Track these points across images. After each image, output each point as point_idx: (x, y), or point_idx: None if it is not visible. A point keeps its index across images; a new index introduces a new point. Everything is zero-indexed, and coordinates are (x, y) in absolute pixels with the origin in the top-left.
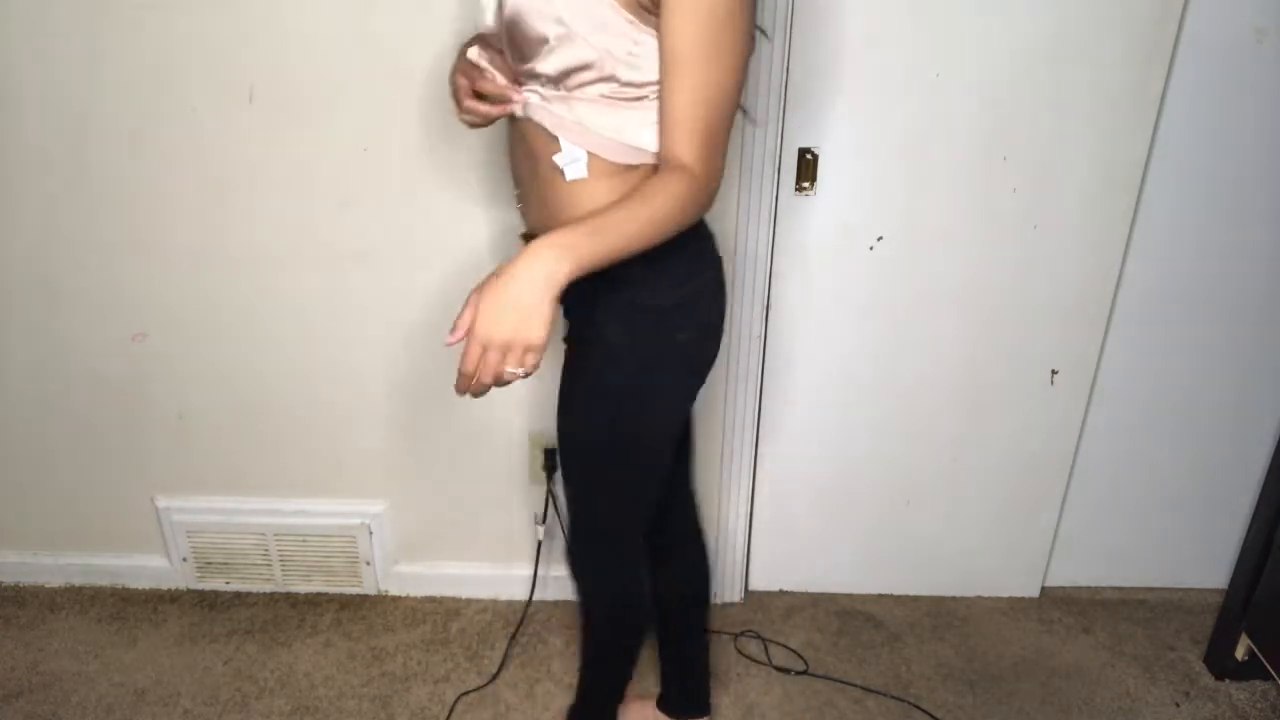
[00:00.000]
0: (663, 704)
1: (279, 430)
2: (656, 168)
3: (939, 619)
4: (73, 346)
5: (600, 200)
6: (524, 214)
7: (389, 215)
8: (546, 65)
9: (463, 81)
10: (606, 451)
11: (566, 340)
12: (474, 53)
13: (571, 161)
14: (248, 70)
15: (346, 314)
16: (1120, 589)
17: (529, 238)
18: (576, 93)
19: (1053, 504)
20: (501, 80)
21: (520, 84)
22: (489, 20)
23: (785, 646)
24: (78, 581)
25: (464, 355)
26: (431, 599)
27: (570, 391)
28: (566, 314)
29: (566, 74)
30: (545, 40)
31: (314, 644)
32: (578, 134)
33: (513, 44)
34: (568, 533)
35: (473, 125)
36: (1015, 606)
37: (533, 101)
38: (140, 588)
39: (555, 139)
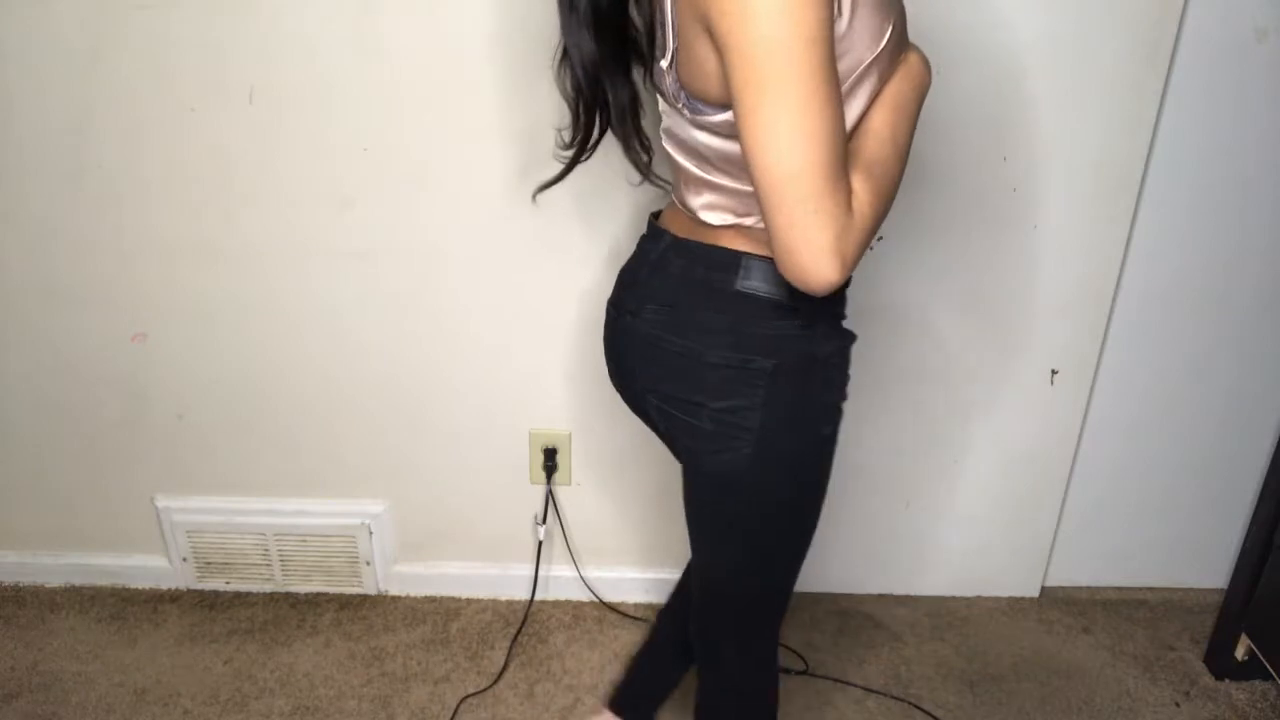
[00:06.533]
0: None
1: (279, 430)
2: None
3: (939, 619)
4: (73, 346)
5: None
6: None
7: (389, 215)
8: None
9: None
10: None
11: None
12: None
13: None
14: (247, 70)
15: (347, 314)
16: (1120, 589)
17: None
18: None
19: (1053, 504)
20: None
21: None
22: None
23: (785, 646)
24: (78, 581)
25: None
26: (431, 599)
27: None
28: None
29: None
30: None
31: (314, 644)
32: None
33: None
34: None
35: None
36: (1015, 606)
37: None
38: (140, 588)
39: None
